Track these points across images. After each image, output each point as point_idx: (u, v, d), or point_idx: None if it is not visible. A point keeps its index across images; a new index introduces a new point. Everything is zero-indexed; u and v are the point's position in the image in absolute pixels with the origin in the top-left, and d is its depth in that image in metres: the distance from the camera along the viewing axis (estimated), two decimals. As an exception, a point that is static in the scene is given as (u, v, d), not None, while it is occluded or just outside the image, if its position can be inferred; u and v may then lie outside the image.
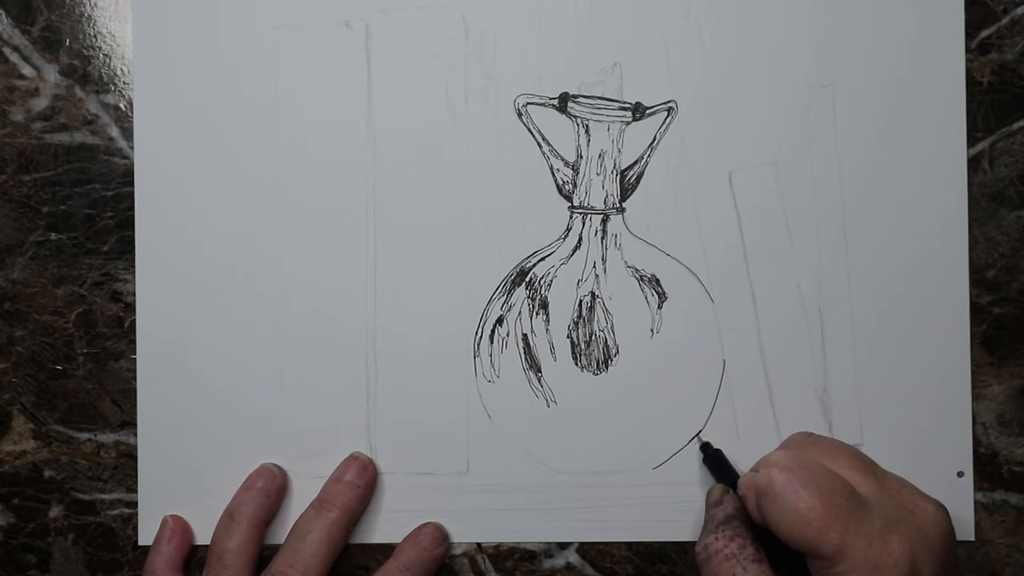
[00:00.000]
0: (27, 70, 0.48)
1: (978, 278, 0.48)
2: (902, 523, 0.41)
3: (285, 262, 0.48)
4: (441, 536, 0.48)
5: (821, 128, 0.48)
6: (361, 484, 0.47)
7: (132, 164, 0.48)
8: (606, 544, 0.48)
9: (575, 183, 0.49)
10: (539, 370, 0.48)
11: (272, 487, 0.47)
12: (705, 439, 0.48)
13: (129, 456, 0.48)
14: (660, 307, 0.48)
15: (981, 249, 0.49)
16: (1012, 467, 0.49)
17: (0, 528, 0.49)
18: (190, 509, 0.48)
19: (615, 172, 0.49)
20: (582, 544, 0.49)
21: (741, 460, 0.48)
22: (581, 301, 0.49)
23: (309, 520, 0.47)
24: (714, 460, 0.48)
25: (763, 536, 0.44)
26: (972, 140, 0.48)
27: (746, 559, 0.43)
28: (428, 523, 0.48)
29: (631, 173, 0.49)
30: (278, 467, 0.48)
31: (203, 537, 0.48)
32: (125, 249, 0.48)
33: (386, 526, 0.48)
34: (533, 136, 0.48)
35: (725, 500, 0.46)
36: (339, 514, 0.47)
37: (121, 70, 0.49)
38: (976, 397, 0.48)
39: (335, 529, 0.46)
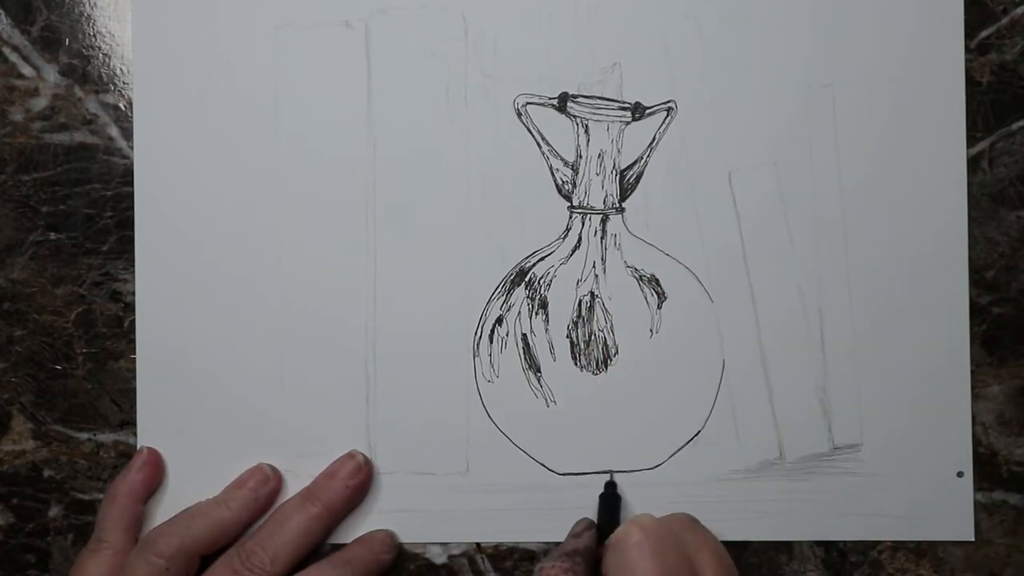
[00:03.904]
0: (27, 70, 0.48)
1: (978, 278, 0.48)
2: None
3: (285, 262, 0.48)
4: (391, 543, 0.47)
5: (821, 128, 0.48)
6: (352, 485, 0.47)
7: (132, 164, 0.48)
8: (606, 544, 0.48)
9: (574, 183, 0.49)
10: (538, 370, 0.48)
11: (263, 491, 0.47)
12: (615, 479, 0.48)
13: (129, 456, 0.48)
14: (659, 307, 0.48)
15: (981, 249, 0.49)
16: (1012, 467, 0.49)
17: None
18: (190, 509, 0.48)
19: (614, 172, 0.49)
20: (582, 544, 0.49)
21: (740, 459, 0.48)
22: (580, 301, 0.49)
23: (292, 508, 0.46)
24: (608, 503, 0.47)
25: None
26: (972, 140, 0.48)
27: None
28: (381, 530, 0.48)
29: (631, 173, 0.49)
30: (273, 469, 0.48)
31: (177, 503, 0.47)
32: (124, 249, 0.48)
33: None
34: (533, 136, 0.48)
35: (584, 536, 0.45)
36: (321, 510, 0.46)
37: (120, 70, 0.49)
38: (976, 397, 0.48)
39: (314, 524, 0.46)
